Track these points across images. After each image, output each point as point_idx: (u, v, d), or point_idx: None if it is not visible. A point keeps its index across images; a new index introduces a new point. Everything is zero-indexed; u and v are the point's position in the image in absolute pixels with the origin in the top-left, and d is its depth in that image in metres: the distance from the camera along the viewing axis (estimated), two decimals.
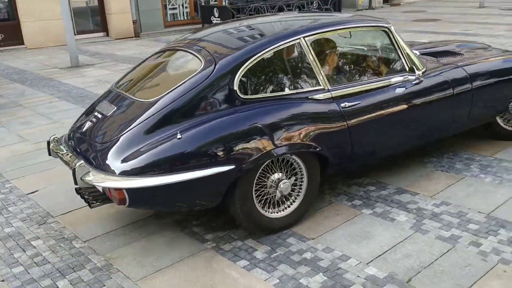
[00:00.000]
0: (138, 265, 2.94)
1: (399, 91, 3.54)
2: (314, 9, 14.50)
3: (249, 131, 2.93)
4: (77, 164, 2.87)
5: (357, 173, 3.96)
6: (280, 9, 13.62)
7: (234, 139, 2.89)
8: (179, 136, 2.82)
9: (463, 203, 3.44)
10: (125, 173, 2.76)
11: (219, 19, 13.36)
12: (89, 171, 2.85)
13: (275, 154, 2.99)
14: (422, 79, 3.67)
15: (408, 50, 3.72)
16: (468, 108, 3.97)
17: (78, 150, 3.15)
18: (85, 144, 3.14)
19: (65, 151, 3.26)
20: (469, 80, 3.93)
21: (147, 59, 3.85)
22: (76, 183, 2.87)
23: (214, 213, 3.43)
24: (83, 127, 3.27)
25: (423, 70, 3.73)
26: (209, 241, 3.14)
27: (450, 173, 3.93)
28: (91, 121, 3.27)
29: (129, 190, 2.74)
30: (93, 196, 3.06)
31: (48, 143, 3.45)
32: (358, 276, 2.71)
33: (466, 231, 3.09)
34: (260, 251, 3.00)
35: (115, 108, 3.23)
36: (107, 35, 13.82)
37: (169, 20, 15.07)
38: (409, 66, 3.66)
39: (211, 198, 2.97)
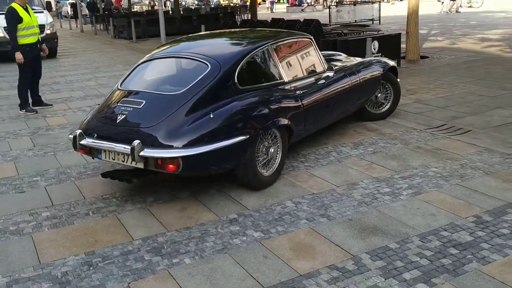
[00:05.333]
0: None
1: (325, 83, 5.13)
2: None
3: (257, 110, 4.13)
4: (136, 143, 3.58)
5: None
6: None
7: (247, 116, 4.05)
8: (211, 115, 3.82)
9: None
10: (182, 146, 3.65)
11: None
12: (143, 148, 3.60)
13: (270, 126, 4.22)
14: (335, 75, 5.30)
15: (322, 55, 5.35)
16: (358, 94, 5.71)
17: (114, 136, 3.87)
18: (126, 130, 3.87)
19: (92, 141, 3.94)
20: (358, 74, 5.67)
21: (137, 66, 4.69)
22: (134, 159, 3.60)
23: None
24: (116, 119, 3.96)
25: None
26: None
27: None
28: (122, 114, 3.97)
29: (184, 158, 3.61)
30: (130, 174, 4.02)
31: (75, 138, 3.98)
32: None
33: None
34: None
35: (144, 101, 4.01)
36: None
37: None
38: (327, 66, 5.31)
39: (232, 161, 3.98)
